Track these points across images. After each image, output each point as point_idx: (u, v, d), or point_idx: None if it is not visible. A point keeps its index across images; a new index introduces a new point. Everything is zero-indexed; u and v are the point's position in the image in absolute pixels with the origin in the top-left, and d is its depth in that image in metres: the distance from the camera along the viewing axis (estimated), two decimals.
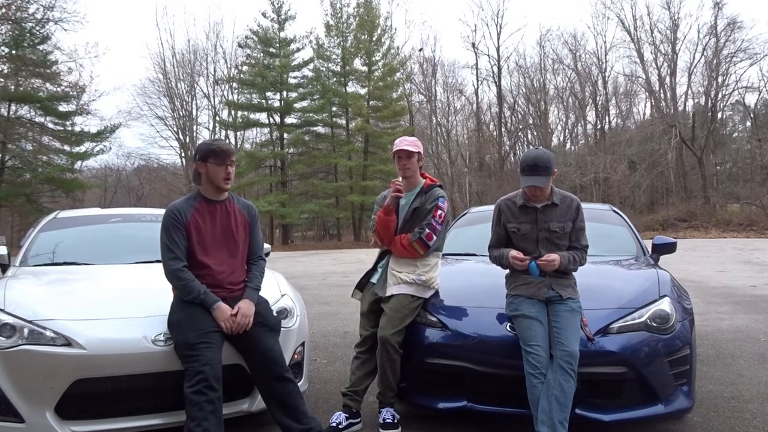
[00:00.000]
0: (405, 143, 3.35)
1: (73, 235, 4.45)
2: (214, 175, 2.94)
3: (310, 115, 35.46)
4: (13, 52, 25.00)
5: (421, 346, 3.15)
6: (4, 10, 23.23)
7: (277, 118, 35.56)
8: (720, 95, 34.32)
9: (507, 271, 3.15)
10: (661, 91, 35.12)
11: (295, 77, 35.51)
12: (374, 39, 34.85)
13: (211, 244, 2.95)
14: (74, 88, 28.67)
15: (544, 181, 2.93)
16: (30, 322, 2.76)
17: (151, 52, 71.93)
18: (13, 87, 26.40)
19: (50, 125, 29.36)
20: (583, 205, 3.17)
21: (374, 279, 3.43)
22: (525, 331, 2.80)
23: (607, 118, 38.94)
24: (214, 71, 38.61)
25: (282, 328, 3.07)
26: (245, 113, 36.10)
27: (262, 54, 34.65)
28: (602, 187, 33.44)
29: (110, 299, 3.16)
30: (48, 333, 2.72)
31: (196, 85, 38.55)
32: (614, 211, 4.95)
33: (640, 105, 44.27)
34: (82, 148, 30.37)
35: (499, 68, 39.00)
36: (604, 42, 47.37)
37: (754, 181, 32.18)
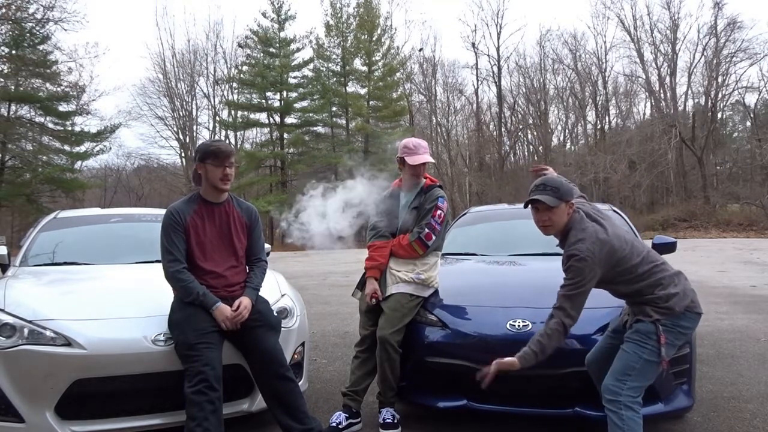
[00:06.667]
0: (422, 150, 3.30)
1: (73, 235, 4.45)
2: (212, 176, 2.93)
3: (310, 115, 35.46)
4: (13, 52, 24.99)
5: (421, 344, 3.15)
6: (4, 10, 23.24)
7: (277, 118, 35.56)
8: (720, 95, 34.33)
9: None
10: (661, 91, 35.12)
11: (295, 77, 35.55)
12: (374, 39, 34.85)
13: (210, 247, 2.95)
14: (74, 88, 28.67)
15: (553, 202, 2.43)
16: (30, 322, 2.76)
17: (151, 52, 71.63)
18: (13, 87, 26.39)
19: (50, 125, 29.36)
20: None
21: None
22: None
23: (607, 118, 38.93)
24: (214, 71, 38.56)
25: (282, 328, 3.07)
26: (245, 113, 36.09)
27: (262, 54, 34.67)
28: (602, 187, 33.43)
29: (110, 299, 3.16)
30: (48, 333, 2.72)
31: (196, 85, 38.48)
32: (614, 210, 4.94)
33: (640, 105, 44.19)
34: (82, 148, 30.40)
35: (499, 68, 39.00)
36: (604, 42, 47.27)
37: (754, 181, 32.17)
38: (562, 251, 2.52)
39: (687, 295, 2.42)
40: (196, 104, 38.66)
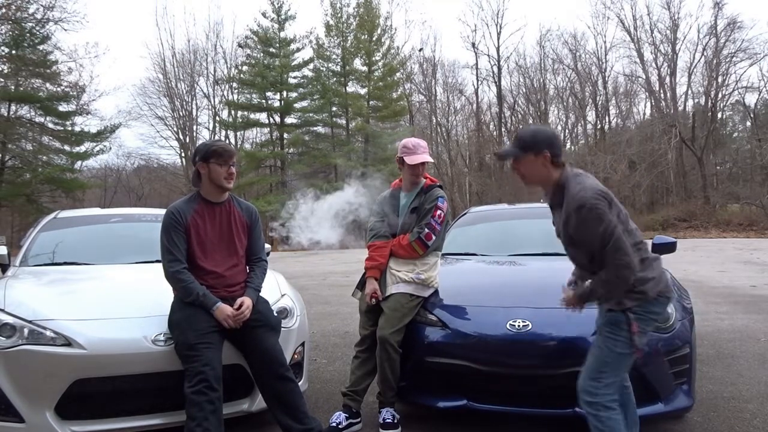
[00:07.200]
0: (421, 150, 3.31)
1: (73, 235, 4.46)
2: (216, 175, 2.93)
3: (310, 115, 35.47)
4: (13, 52, 24.97)
5: (421, 344, 3.15)
6: (4, 10, 23.23)
7: (277, 118, 35.56)
8: (720, 95, 34.30)
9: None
10: (661, 91, 35.10)
11: (295, 77, 35.53)
12: (374, 39, 34.84)
13: (211, 246, 2.96)
14: (74, 88, 28.61)
15: (512, 152, 2.39)
16: (30, 322, 2.76)
17: (151, 52, 71.39)
18: (13, 87, 26.36)
19: (50, 125, 29.30)
20: None
21: None
22: None
23: (607, 118, 38.91)
24: (214, 71, 38.48)
25: (282, 328, 3.08)
26: (245, 113, 36.08)
27: (262, 54, 34.66)
28: None
29: (110, 299, 3.17)
30: (48, 333, 2.73)
31: (196, 85, 38.40)
32: None
33: (640, 105, 44.14)
34: (82, 148, 30.36)
35: (499, 68, 38.97)
36: (604, 42, 47.17)
37: (754, 181, 32.16)
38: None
39: (662, 281, 2.41)
40: (196, 104, 38.62)
